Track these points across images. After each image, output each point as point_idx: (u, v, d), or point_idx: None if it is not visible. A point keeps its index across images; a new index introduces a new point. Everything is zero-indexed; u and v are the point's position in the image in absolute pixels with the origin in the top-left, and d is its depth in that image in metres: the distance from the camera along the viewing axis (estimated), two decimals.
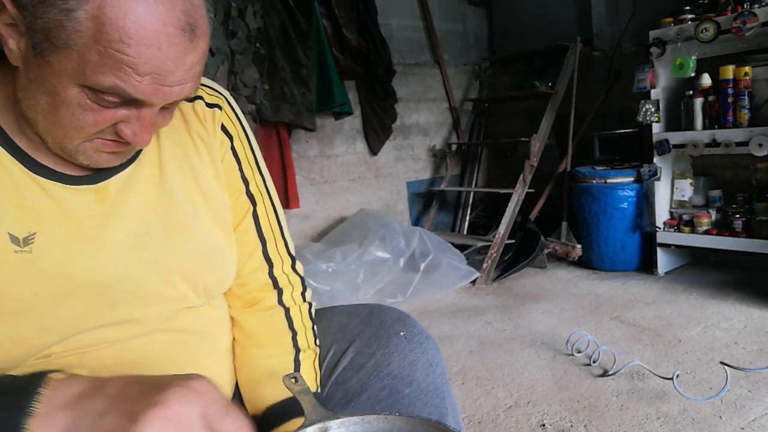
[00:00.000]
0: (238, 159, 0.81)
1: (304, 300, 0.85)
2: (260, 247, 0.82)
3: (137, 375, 0.56)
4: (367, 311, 0.87)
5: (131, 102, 0.58)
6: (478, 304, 2.82)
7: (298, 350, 0.80)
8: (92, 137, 0.61)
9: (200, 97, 0.78)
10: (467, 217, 4.14)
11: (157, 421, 0.47)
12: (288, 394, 0.74)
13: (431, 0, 4.03)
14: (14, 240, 0.62)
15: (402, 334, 0.81)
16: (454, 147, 4.13)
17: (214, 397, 0.52)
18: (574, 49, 3.52)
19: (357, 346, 0.81)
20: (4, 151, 0.63)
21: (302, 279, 0.87)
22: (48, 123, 0.59)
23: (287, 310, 0.83)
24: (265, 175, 0.85)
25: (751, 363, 1.92)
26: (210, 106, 0.78)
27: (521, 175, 3.38)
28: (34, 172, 0.64)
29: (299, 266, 0.87)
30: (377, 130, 3.73)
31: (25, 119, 0.62)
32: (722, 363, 1.75)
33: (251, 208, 0.82)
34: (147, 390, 0.51)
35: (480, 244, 3.45)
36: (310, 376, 0.79)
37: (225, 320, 0.83)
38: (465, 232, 4.05)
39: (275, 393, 0.77)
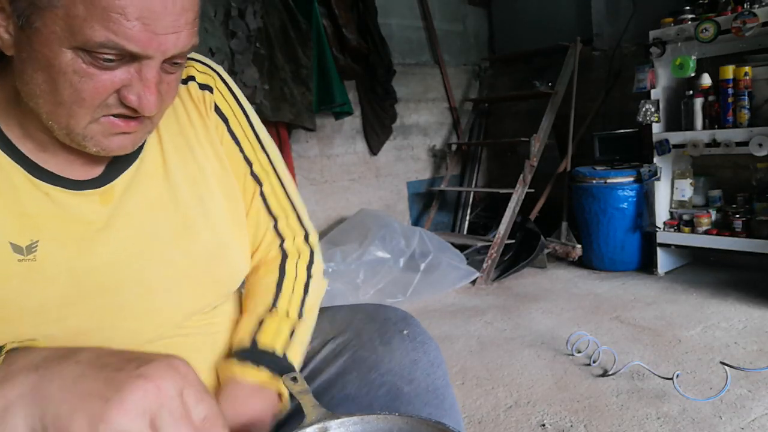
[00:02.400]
0: (238, 141, 0.78)
1: (308, 272, 0.83)
2: (272, 224, 0.81)
3: (107, 347, 0.53)
4: (372, 308, 0.86)
5: (128, 59, 0.56)
6: (478, 304, 2.82)
7: (269, 310, 0.78)
8: (97, 115, 0.58)
9: (192, 78, 0.75)
10: (467, 217, 4.14)
11: (138, 391, 0.46)
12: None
13: (431, 0, 4.04)
14: (17, 249, 0.60)
15: (405, 332, 0.80)
16: (454, 147, 4.13)
17: (193, 379, 0.51)
18: (574, 49, 3.52)
19: (360, 340, 0.80)
20: (6, 156, 0.61)
21: (312, 251, 0.84)
22: (50, 105, 0.57)
23: (281, 276, 0.81)
24: (269, 151, 0.82)
25: (751, 363, 1.92)
26: (202, 87, 0.75)
27: (521, 175, 3.38)
28: (37, 178, 0.62)
29: (313, 238, 0.85)
30: (377, 130, 3.73)
31: (29, 113, 0.60)
32: (722, 363, 1.75)
33: (257, 188, 0.80)
34: (126, 361, 0.49)
35: (480, 244, 3.45)
36: (268, 334, 0.75)
37: (234, 322, 0.82)
38: (465, 232, 4.05)
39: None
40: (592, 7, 3.68)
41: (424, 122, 4.10)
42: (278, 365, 0.72)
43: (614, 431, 1.59)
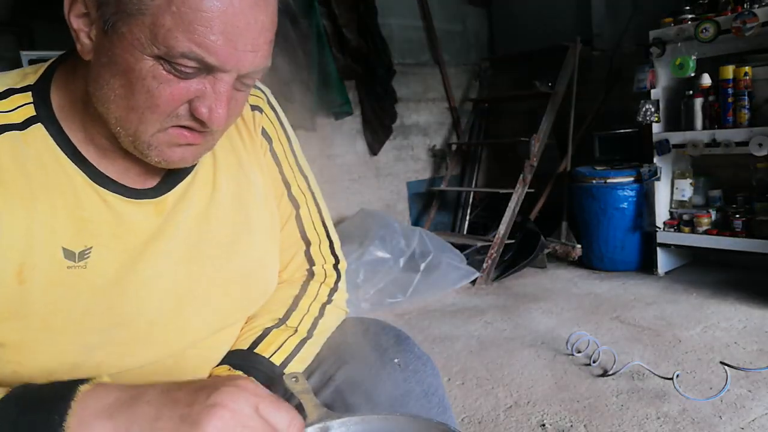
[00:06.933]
0: (278, 161, 0.79)
1: (329, 297, 0.81)
2: (303, 248, 0.81)
3: (172, 381, 0.55)
4: (361, 331, 0.82)
5: (204, 72, 0.56)
6: (478, 304, 2.82)
7: (278, 322, 0.76)
8: (166, 124, 0.59)
9: None
10: (467, 217, 4.14)
11: (216, 420, 0.48)
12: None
13: (431, 0, 4.04)
14: (69, 255, 0.60)
15: (396, 361, 0.76)
16: (454, 147, 4.14)
17: (263, 392, 0.52)
18: (574, 49, 3.52)
19: (347, 370, 0.75)
20: (69, 160, 0.61)
21: (338, 278, 0.83)
22: (122, 110, 0.57)
23: (302, 293, 0.79)
24: (307, 176, 0.83)
25: (751, 363, 1.92)
26: (252, 108, 0.77)
27: (521, 175, 3.38)
28: (97, 183, 0.63)
29: (342, 266, 0.84)
30: (377, 130, 3.73)
31: (93, 118, 0.61)
32: (722, 363, 1.75)
33: (294, 211, 0.80)
34: (195, 393, 0.51)
35: (480, 244, 3.45)
36: (270, 344, 0.73)
37: None
38: (465, 232, 4.05)
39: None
40: (592, 7, 3.68)
41: (424, 122, 4.10)
42: (270, 375, 0.70)
43: (614, 431, 1.59)
